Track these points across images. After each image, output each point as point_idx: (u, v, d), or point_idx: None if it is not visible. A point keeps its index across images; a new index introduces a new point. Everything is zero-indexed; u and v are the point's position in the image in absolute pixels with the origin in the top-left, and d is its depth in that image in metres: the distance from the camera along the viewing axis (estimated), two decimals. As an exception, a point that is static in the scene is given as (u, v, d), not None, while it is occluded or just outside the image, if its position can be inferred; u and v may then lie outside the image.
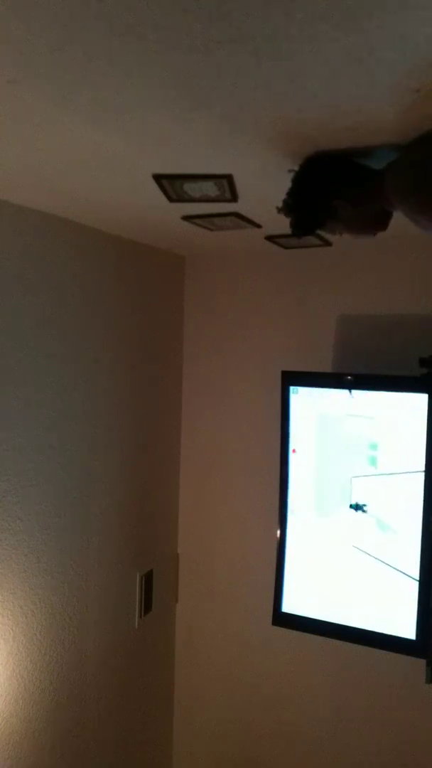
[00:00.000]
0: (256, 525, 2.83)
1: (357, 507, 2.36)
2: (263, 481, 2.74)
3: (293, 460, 2.49)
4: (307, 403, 2.48)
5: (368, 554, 2.36)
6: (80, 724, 2.33)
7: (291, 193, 1.39)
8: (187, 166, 1.52)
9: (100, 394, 2.39)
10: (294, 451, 2.49)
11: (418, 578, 2.21)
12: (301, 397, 2.48)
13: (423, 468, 2.21)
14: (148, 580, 2.76)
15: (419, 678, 2.29)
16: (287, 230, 1.47)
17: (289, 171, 1.39)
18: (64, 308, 2.16)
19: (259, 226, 2.11)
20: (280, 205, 1.40)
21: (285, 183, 1.39)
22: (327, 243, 2.36)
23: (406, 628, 2.23)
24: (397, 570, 2.28)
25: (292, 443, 2.49)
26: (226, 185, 1.64)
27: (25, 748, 2.02)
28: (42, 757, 2.10)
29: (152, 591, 2.79)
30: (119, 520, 2.55)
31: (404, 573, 2.25)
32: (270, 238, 2.34)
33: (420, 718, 2.54)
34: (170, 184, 1.64)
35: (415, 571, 2.22)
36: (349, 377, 2.44)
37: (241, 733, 2.95)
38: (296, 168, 1.39)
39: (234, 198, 1.75)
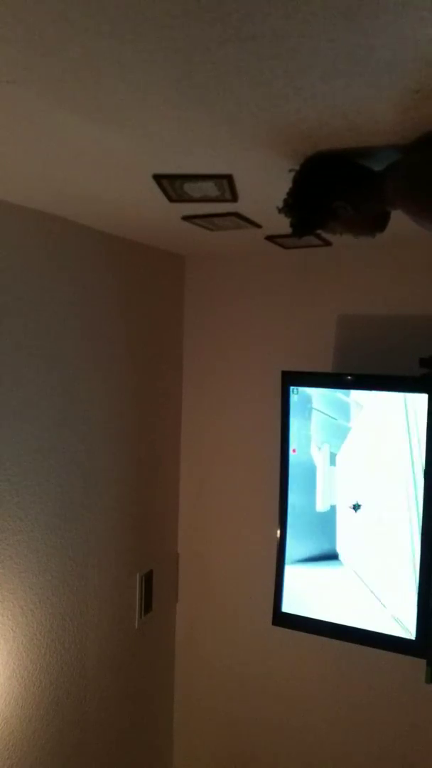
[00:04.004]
0: (256, 525, 2.83)
1: (356, 507, 2.36)
2: (263, 481, 2.74)
3: (293, 459, 2.49)
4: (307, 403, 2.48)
5: (367, 553, 2.36)
6: (80, 723, 2.33)
7: (291, 194, 1.39)
8: (187, 166, 1.52)
9: (100, 395, 2.39)
10: (294, 451, 2.48)
11: (417, 578, 2.21)
12: (300, 397, 2.48)
13: (423, 467, 2.21)
14: (148, 579, 2.76)
15: (419, 678, 2.29)
16: (287, 230, 1.46)
17: (290, 170, 1.39)
18: (63, 308, 2.16)
19: (259, 226, 2.11)
20: (281, 205, 1.40)
21: (285, 183, 1.39)
22: (327, 243, 2.36)
23: (406, 629, 2.23)
24: (397, 570, 2.28)
25: (292, 443, 2.49)
26: (226, 185, 1.63)
27: (25, 748, 2.02)
28: (42, 757, 2.10)
29: (152, 591, 2.79)
30: (119, 519, 2.55)
31: (403, 573, 2.25)
32: (270, 238, 2.34)
33: (420, 718, 2.54)
34: (170, 184, 1.64)
35: (414, 570, 2.22)
36: (349, 377, 2.44)
37: (241, 732, 2.95)
38: (296, 168, 1.39)
39: (234, 198, 1.75)
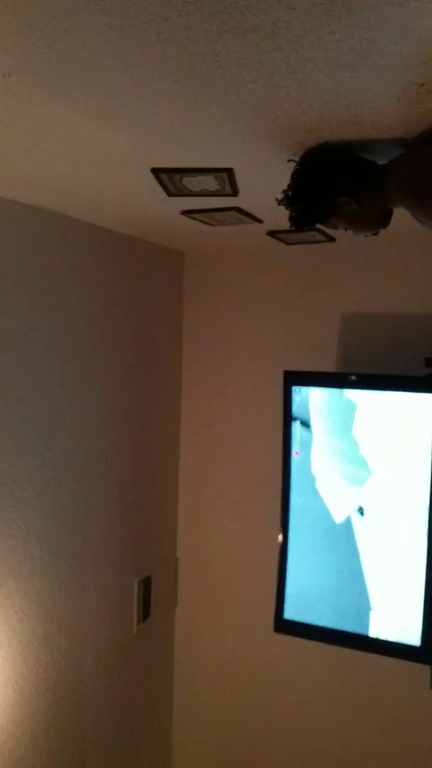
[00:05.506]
0: (257, 529, 2.80)
1: (361, 510, 2.33)
2: (264, 484, 2.70)
3: (295, 462, 2.45)
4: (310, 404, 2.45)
5: (372, 559, 2.33)
6: (78, 731, 2.31)
7: (292, 186, 1.36)
8: (187, 160, 1.51)
9: (98, 395, 2.36)
10: (296, 453, 2.45)
11: (423, 584, 2.18)
12: (303, 398, 2.45)
13: (429, 469, 2.18)
14: (146, 585, 2.73)
15: (423, 684, 2.27)
16: (289, 225, 1.44)
17: (289, 161, 1.37)
18: (61, 306, 2.14)
19: (260, 221, 2.09)
20: (280, 197, 1.37)
21: (287, 176, 1.38)
22: (330, 239, 2.33)
23: (411, 635, 2.20)
24: (401, 575, 2.26)
25: (295, 445, 2.45)
26: (227, 179, 1.62)
27: (21, 755, 1.99)
28: (39, 764, 2.08)
29: (151, 596, 2.76)
30: (117, 524, 2.52)
31: (409, 578, 2.22)
32: (272, 234, 2.32)
33: (424, 724, 2.51)
34: (169, 178, 1.62)
35: (420, 576, 2.18)
36: (353, 377, 2.41)
37: (240, 740, 2.92)
38: (296, 159, 1.37)
39: (234, 192, 1.74)
